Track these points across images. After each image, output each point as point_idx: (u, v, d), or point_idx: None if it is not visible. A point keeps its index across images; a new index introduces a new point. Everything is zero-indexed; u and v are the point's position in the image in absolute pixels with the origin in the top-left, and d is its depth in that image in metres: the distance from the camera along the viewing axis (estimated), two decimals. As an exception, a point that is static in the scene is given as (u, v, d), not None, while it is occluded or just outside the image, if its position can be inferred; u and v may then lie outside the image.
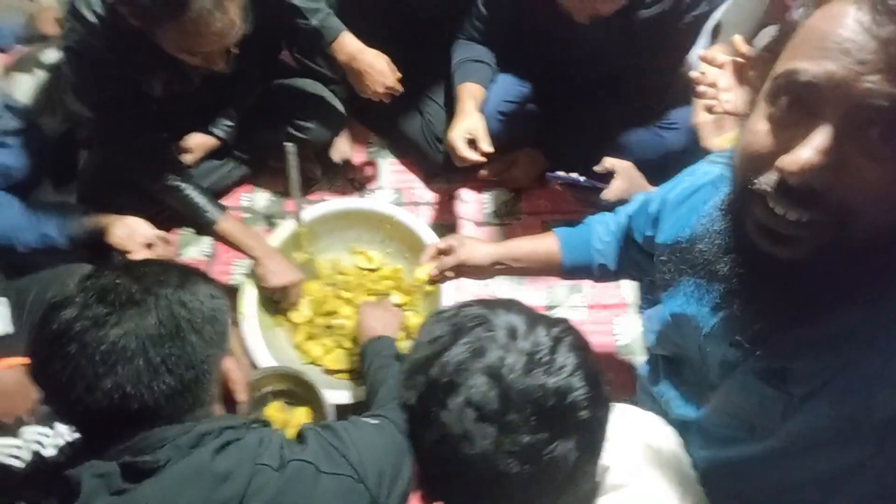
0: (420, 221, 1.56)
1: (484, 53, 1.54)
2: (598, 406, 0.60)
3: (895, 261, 0.57)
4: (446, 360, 0.59)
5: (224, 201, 1.74)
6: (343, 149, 1.80)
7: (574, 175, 1.38)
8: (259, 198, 1.78)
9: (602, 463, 0.68)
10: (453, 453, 0.58)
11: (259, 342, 1.37)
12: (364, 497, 0.72)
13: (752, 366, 0.71)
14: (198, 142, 1.61)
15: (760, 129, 0.57)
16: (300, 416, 1.30)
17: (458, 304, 0.67)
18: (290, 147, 1.38)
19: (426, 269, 1.17)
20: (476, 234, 1.73)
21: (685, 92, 1.25)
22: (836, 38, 0.50)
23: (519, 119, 1.65)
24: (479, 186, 1.78)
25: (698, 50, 1.54)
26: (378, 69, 1.44)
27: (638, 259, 1.05)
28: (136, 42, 1.21)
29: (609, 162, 1.32)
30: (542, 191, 1.78)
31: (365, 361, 1.17)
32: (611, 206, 1.19)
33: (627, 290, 1.65)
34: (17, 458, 0.98)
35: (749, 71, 1.09)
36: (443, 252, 1.17)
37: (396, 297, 1.54)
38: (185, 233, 1.67)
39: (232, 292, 1.40)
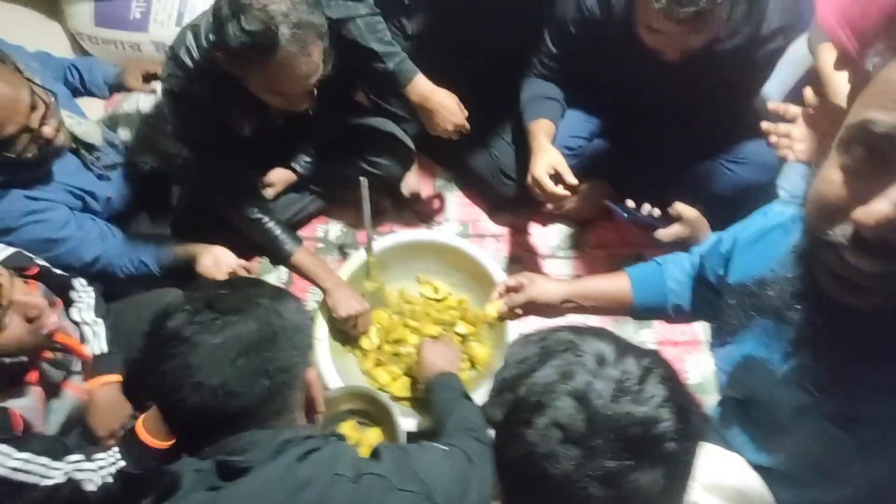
0: (485, 253, 1.58)
1: (553, 90, 1.57)
2: (687, 440, 0.59)
3: None
4: (534, 380, 0.60)
5: (301, 232, 1.84)
6: (412, 183, 1.86)
7: (633, 208, 1.38)
8: (333, 229, 1.87)
9: (688, 500, 0.67)
10: (537, 472, 0.58)
11: (330, 365, 1.42)
12: None
13: (826, 411, 0.69)
14: (279, 176, 1.72)
15: (834, 179, 0.55)
16: (372, 436, 1.34)
17: (547, 329, 0.67)
18: (363, 181, 1.45)
19: (495, 306, 1.18)
20: (541, 267, 1.74)
21: (756, 126, 1.22)
22: None
23: (586, 154, 1.66)
24: (545, 219, 1.80)
25: (775, 83, 1.52)
26: (448, 108, 1.49)
27: (711, 299, 1.03)
28: (228, 86, 1.32)
29: (679, 207, 1.31)
30: (609, 224, 1.77)
31: (433, 395, 1.21)
32: (667, 247, 1.18)
33: (699, 327, 1.61)
34: (90, 481, 1.04)
35: (821, 121, 1.09)
36: (512, 289, 1.17)
37: (461, 328, 1.57)
38: (264, 261, 1.77)
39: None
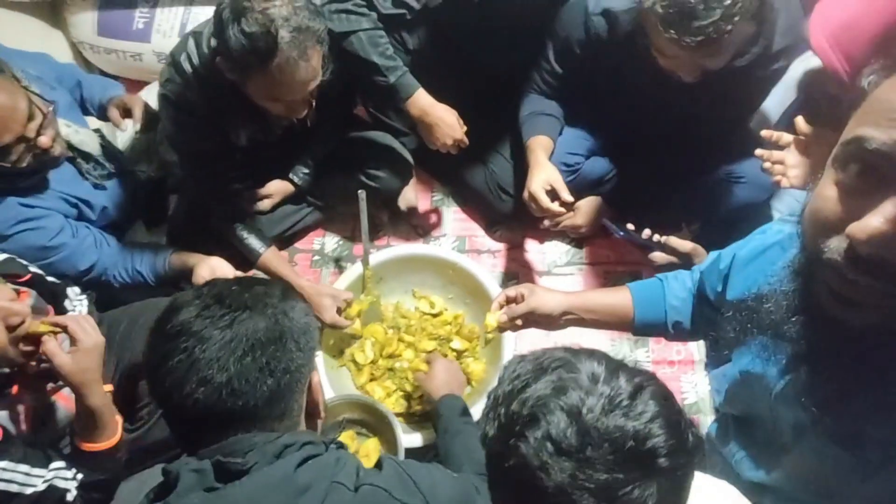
0: (482, 269, 1.58)
1: (553, 107, 1.58)
2: (680, 456, 0.59)
3: None
4: (528, 395, 0.61)
5: (297, 244, 1.84)
6: (409, 196, 1.87)
7: (632, 230, 1.39)
8: (329, 241, 1.86)
9: None
10: (530, 484, 0.58)
11: (323, 380, 1.41)
12: None
13: (826, 429, 0.69)
14: (277, 188, 1.72)
15: (829, 196, 0.56)
16: (370, 446, 1.33)
17: (542, 349, 0.68)
18: (361, 194, 1.45)
19: (495, 316, 1.16)
20: (538, 283, 1.74)
21: (752, 145, 1.23)
22: None
23: (584, 171, 1.67)
24: (541, 236, 1.80)
25: (773, 101, 1.54)
26: (448, 123, 1.51)
27: (710, 316, 1.03)
28: (226, 94, 1.33)
29: (674, 242, 1.32)
30: (605, 241, 1.78)
31: (440, 421, 1.19)
32: (663, 269, 1.19)
33: (695, 347, 1.61)
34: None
35: (813, 148, 1.12)
36: (512, 300, 1.17)
37: (457, 343, 1.56)
38: (261, 273, 1.76)
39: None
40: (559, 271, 1.76)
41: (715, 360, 1.54)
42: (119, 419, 1.09)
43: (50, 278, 1.24)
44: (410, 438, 1.34)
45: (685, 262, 1.29)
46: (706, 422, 1.50)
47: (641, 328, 1.12)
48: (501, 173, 1.76)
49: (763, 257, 0.85)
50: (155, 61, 1.91)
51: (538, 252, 1.79)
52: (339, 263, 1.82)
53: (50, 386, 1.15)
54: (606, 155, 1.70)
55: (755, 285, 0.81)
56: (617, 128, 1.62)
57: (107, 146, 1.54)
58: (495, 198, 1.77)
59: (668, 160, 1.57)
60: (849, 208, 0.54)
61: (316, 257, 1.84)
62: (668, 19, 1.10)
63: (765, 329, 0.78)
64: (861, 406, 0.64)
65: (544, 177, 1.42)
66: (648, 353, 1.61)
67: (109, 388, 1.28)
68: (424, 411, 1.44)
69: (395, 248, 1.67)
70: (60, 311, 1.24)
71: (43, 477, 1.01)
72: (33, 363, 1.00)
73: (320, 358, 1.46)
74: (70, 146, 1.37)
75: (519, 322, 1.15)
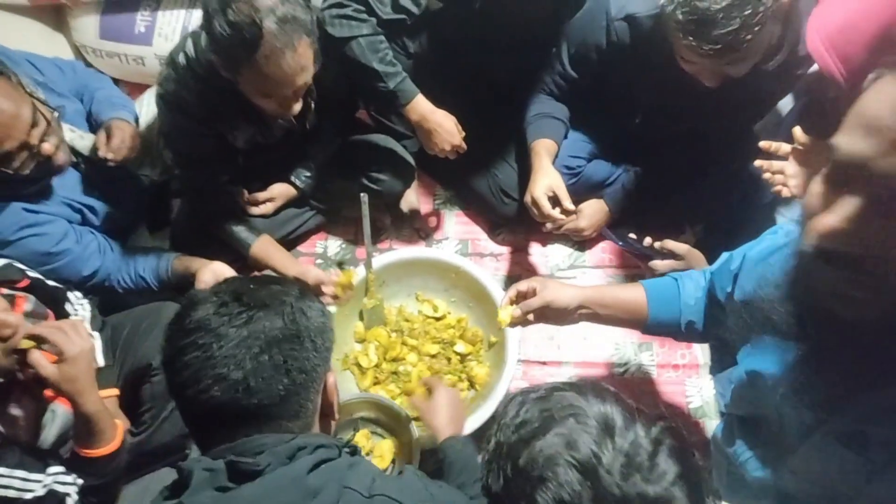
0: (485, 272, 1.58)
1: (561, 111, 1.58)
2: None
3: None
4: (537, 450, 0.57)
5: (300, 248, 1.84)
6: (411, 199, 1.87)
7: (634, 238, 1.39)
8: (332, 245, 1.86)
9: None
10: None
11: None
12: None
13: (831, 429, 0.69)
14: (280, 191, 1.72)
15: (815, 191, 0.58)
16: (384, 447, 1.32)
17: (545, 386, 0.64)
18: (364, 197, 1.45)
19: (508, 311, 1.12)
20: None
21: (756, 147, 1.23)
22: (875, 116, 0.52)
23: (586, 174, 1.67)
24: (544, 239, 1.80)
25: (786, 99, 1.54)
26: (446, 129, 1.51)
27: (720, 317, 1.03)
28: (224, 96, 1.33)
29: (670, 245, 1.32)
30: (607, 244, 1.78)
31: (450, 468, 1.10)
32: (663, 276, 1.19)
33: (699, 350, 1.60)
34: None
35: (811, 157, 1.13)
36: (523, 294, 1.13)
37: (460, 346, 1.56)
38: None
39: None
40: (562, 274, 1.75)
41: (719, 363, 1.55)
42: (120, 424, 1.09)
43: (51, 282, 1.25)
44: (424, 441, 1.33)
45: (683, 268, 1.29)
46: (711, 426, 1.50)
47: (653, 326, 1.10)
48: (504, 177, 1.76)
49: (773, 257, 0.86)
50: (157, 65, 1.91)
51: (541, 255, 1.79)
52: (342, 267, 1.82)
53: (51, 391, 1.15)
54: (608, 158, 1.69)
55: (763, 286, 0.81)
56: (625, 132, 1.61)
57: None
58: (498, 201, 1.77)
59: (674, 163, 1.57)
60: (826, 204, 0.57)
61: (319, 261, 1.84)
62: (687, 26, 1.10)
63: (770, 329, 0.79)
64: (865, 407, 0.65)
65: (547, 182, 1.42)
66: (653, 357, 1.60)
67: (116, 392, 1.29)
68: None
69: (398, 252, 1.67)
70: (61, 315, 1.24)
71: (41, 482, 1.01)
72: (30, 370, 0.99)
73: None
74: (74, 152, 1.37)
75: (531, 317, 1.12)
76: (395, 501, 0.72)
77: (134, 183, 1.65)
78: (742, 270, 0.91)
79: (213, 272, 1.40)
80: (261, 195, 1.70)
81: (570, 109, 1.59)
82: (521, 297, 1.13)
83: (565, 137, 1.60)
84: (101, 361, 1.27)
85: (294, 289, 0.79)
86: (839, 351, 0.65)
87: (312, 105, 1.49)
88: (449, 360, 1.55)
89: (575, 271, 1.75)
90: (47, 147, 1.21)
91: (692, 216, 1.64)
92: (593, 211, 1.69)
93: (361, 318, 1.61)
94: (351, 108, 1.82)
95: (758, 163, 1.19)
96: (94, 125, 1.52)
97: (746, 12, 1.05)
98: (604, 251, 1.78)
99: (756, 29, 1.07)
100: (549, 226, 1.50)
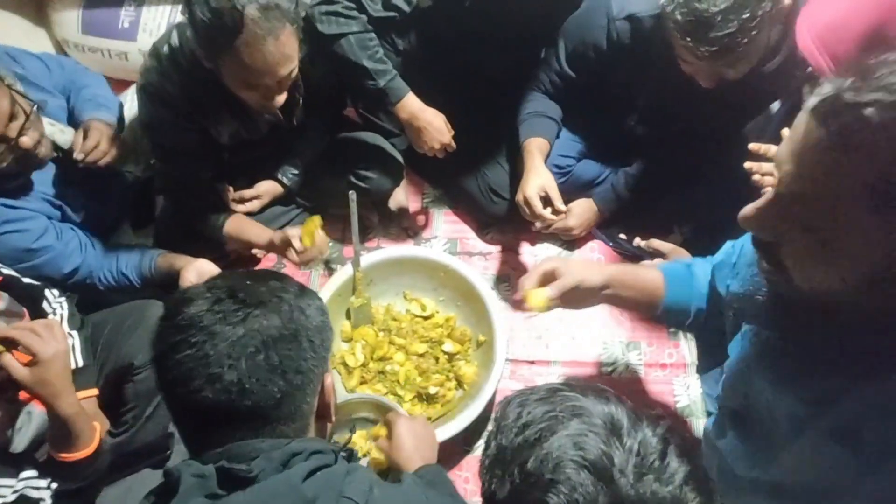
0: (474, 271, 1.57)
1: (555, 110, 1.58)
2: None
3: None
4: (545, 452, 0.55)
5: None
6: (399, 198, 1.85)
7: (624, 238, 1.39)
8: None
9: None
10: None
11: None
12: None
13: (822, 425, 0.70)
14: (266, 188, 1.70)
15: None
16: (381, 433, 1.29)
17: (546, 387, 0.63)
18: (352, 195, 1.44)
19: (543, 294, 1.02)
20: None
21: (745, 147, 1.24)
22: (794, 140, 0.59)
23: (575, 174, 1.67)
24: (532, 238, 1.79)
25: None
26: (436, 127, 1.50)
27: (720, 307, 1.02)
28: (208, 89, 1.31)
29: (655, 244, 1.32)
30: (595, 244, 1.77)
31: None
32: None
33: (686, 349, 1.61)
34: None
35: None
36: (548, 275, 1.04)
37: (448, 346, 1.55)
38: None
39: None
40: (551, 274, 1.75)
41: (706, 363, 1.55)
42: (97, 426, 1.06)
43: (27, 280, 1.22)
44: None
45: None
46: (698, 425, 1.50)
47: (665, 312, 1.08)
48: (493, 176, 1.76)
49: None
50: (141, 61, 1.88)
51: (530, 254, 1.79)
52: (328, 265, 1.80)
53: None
54: (598, 158, 1.70)
55: (757, 277, 0.82)
56: (616, 131, 1.61)
57: None
58: (487, 200, 1.76)
59: (665, 163, 1.57)
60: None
61: (305, 259, 1.82)
62: (685, 27, 1.10)
63: (757, 319, 0.81)
64: (856, 400, 0.65)
65: (540, 182, 1.42)
66: (641, 356, 1.61)
67: (94, 392, 1.26)
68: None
69: (387, 250, 1.66)
70: (38, 313, 1.21)
71: (12, 487, 0.98)
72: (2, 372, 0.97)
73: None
74: (55, 147, 1.34)
75: (557, 301, 1.04)
76: None
77: (117, 179, 1.62)
78: (739, 263, 0.92)
79: (197, 270, 1.38)
80: (247, 192, 1.67)
81: (563, 108, 1.59)
82: (545, 280, 1.05)
83: (557, 137, 1.59)
84: (79, 361, 1.24)
85: (293, 285, 0.77)
86: (814, 343, 0.67)
87: (300, 101, 1.47)
88: (437, 359, 1.54)
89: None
90: (26, 141, 1.18)
91: (681, 216, 1.64)
92: (582, 210, 1.69)
93: (348, 317, 1.59)
94: (339, 106, 1.80)
95: (747, 165, 1.19)
96: (74, 123, 1.50)
97: (744, 15, 1.05)
98: (592, 251, 1.78)
99: (753, 33, 1.07)
100: (538, 225, 1.50)
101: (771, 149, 1.19)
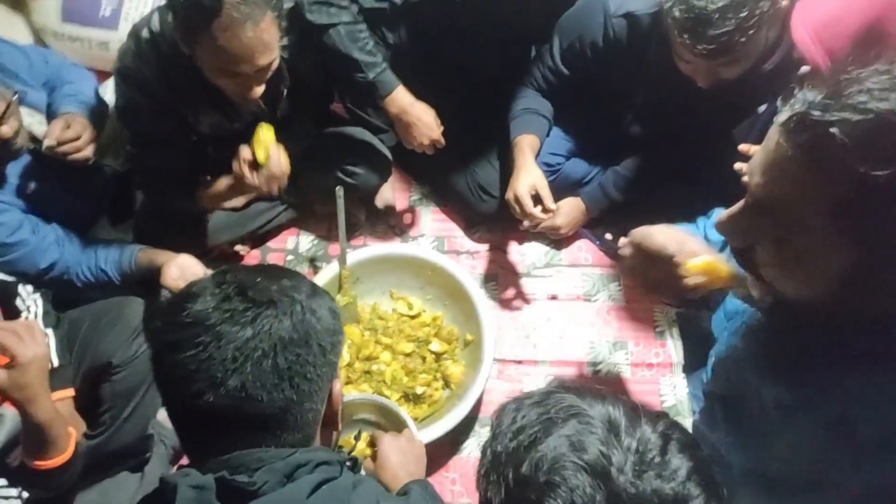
0: (461, 269, 1.56)
1: (546, 107, 1.57)
2: None
3: None
4: (540, 454, 0.54)
5: (271, 243, 1.80)
6: (386, 195, 1.83)
7: (610, 239, 1.37)
8: (304, 241, 1.81)
9: None
10: None
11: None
12: None
13: (814, 416, 0.70)
14: (250, 183, 1.66)
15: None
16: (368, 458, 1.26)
17: (542, 390, 0.61)
18: (339, 191, 1.41)
19: (704, 259, 0.87)
20: (518, 285, 1.72)
21: (734, 148, 1.24)
22: (766, 151, 0.62)
23: (564, 172, 1.66)
24: (520, 237, 1.78)
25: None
26: (426, 122, 1.48)
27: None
28: (187, 76, 1.27)
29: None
30: (583, 243, 1.77)
31: None
32: None
33: (673, 350, 1.61)
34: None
35: None
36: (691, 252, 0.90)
37: (435, 345, 1.53)
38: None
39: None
40: (538, 273, 1.74)
41: (693, 362, 1.56)
42: (73, 432, 1.02)
43: (0, 276, 1.18)
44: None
45: None
46: (685, 424, 1.50)
47: None
48: (482, 173, 1.74)
49: None
50: (123, 51, 1.84)
51: (518, 253, 1.77)
52: (314, 263, 1.77)
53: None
54: (587, 157, 1.69)
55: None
56: (608, 130, 1.60)
57: None
58: (476, 198, 1.74)
59: (656, 163, 1.57)
60: None
61: (290, 257, 1.79)
62: (683, 25, 1.10)
63: (743, 316, 0.83)
64: (847, 391, 0.65)
65: (530, 181, 1.41)
66: (628, 356, 1.60)
67: (71, 393, 1.22)
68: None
69: (373, 248, 1.63)
70: (11, 311, 1.17)
71: None
72: None
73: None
74: (33, 138, 1.30)
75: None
76: None
77: (96, 173, 1.58)
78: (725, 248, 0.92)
79: (180, 266, 1.34)
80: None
81: (555, 105, 1.58)
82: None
83: (548, 135, 1.58)
84: (55, 361, 1.20)
85: (305, 284, 0.72)
86: (808, 339, 0.68)
87: (284, 92, 1.44)
88: (424, 358, 1.52)
89: (551, 269, 1.74)
90: (5, 130, 1.14)
91: (669, 217, 1.64)
92: (570, 209, 1.68)
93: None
94: (326, 100, 1.77)
95: (737, 166, 1.19)
96: (51, 117, 1.45)
97: (742, 14, 1.05)
98: (580, 250, 1.77)
99: (751, 32, 1.07)
100: (525, 223, 1.49)
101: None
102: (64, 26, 1.84)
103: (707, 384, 1.05)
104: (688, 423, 1.49)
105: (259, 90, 1.27)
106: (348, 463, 0.72)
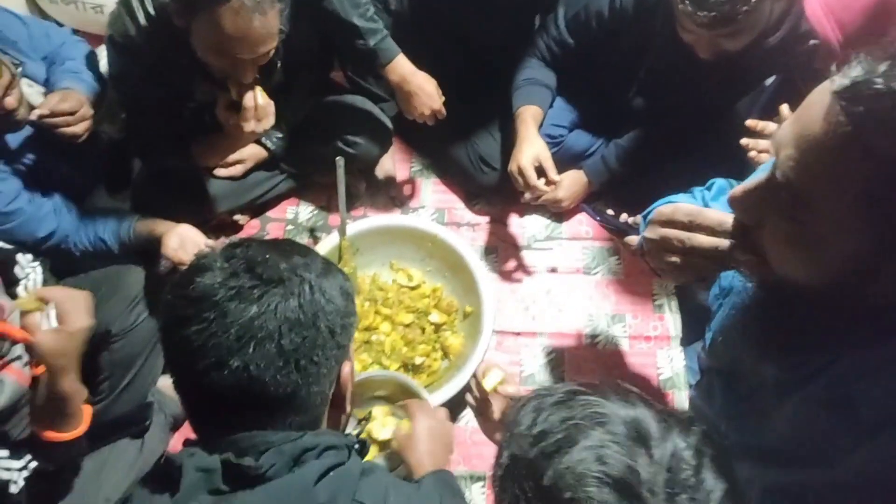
0: (462, 241, 1.55)
1: (550, 78, 1.54)
2: None
3: None
4: (564, 466, 0.50)
5: (270, 213, 1.78)
6: (386, 166, 1.81)
7: (612, 214, 1.37)
8: (303, 211, 1.80)
9: None
10: None
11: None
12: None
13: (811, 393, 0.69)
14: (249, 152, 1.64)
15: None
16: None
17: (564, 389, 0.58)
18: (339, 161, 1.40)
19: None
20: (519, 258, 1.72)
21: (740, 124, 1.22)
22: (802, 122, 0.55)
23: (567, 144, 1.64)
24: (521, 210, 1.77)
25: None
26: (427, 92, 1.46)
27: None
28: (180, 43, 1.23)
29: (640, 219, 1.30)
30: (584, 216, 1.76)
31: None
32: (638, 251, 1.18)
33: (671, 322, 1.61)
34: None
35: None
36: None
37: (435, 316, 1.53)
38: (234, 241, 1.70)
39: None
40: (539, 245, 1.73)
41: (690, 336, 1.57)
42: (89, 409, 1.02)
43: (-1, 244, 1.17)
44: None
45: None
46: (681, 397, 1.52)
47: None
48: (483, 145, 1.72)
49: None
50: (117, 15, 1.79)
51: (518, 226, 1.77)
52: (313, 234, 1.76)
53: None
54: (590, 129, 1.67)
55: None
56: (612, 102, 1.58)
57: None
58: (476, 170, 1.73)
59: (659, 136, 1.55)
60: None
61: (290, 227, 1.78)
62: None
63: (739, 296, 0.82)
64: (844, 370, 0.65)
65: (534, 152, 1.40)
66: (626, 329, 1.61)
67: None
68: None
69: (374, 219, 1.62)
70: (10, 279, 1.16)
71: None
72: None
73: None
74: (32, 108, 1.28)
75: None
76: None
77: (92, 140, 1.55)
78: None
79: (179, 236, 1.34)
80: (230, 156, 1.62)
81: (559, 76, 1.55)
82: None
83: (551, 106, 1.56)
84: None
85: (317, 262, 0.69)
86: (803, 319, 0.67)
87: (278, 64, 1.41)
88: (423, 329, 1.53)
89: (552, 242, 1.74)
90: (10, 101, 1.12)
91: (671, 191, 1.63)
92: (572, 182, 1.67)
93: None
94: (325, 68, 1.74)
95: (744, 141, 1.18)
96: (48, 90, 1.42)
97: None
98: (580, 223, 1.76)
99: (753, 1, 1.05)
100: (526, 196, 1.48)
101: (769, 126, 1.17)
102: (56, -12, 1.79)
103: (704, 359, 1.05)
104: (684, 395, 1.51)
105: (251, 76, 1.25)
106: (356, 446, 0.71)
